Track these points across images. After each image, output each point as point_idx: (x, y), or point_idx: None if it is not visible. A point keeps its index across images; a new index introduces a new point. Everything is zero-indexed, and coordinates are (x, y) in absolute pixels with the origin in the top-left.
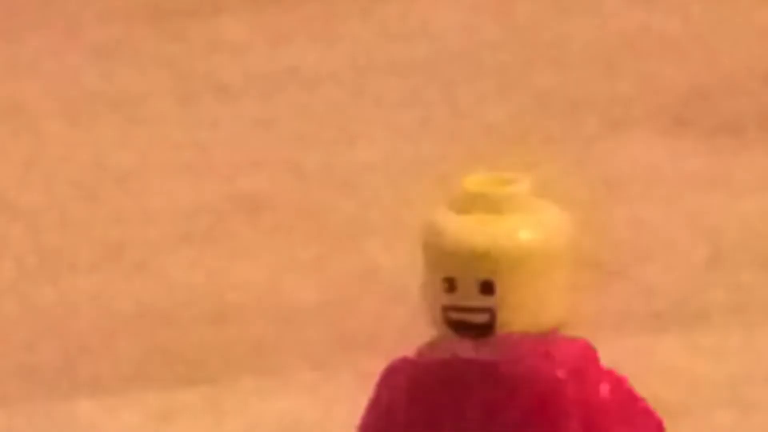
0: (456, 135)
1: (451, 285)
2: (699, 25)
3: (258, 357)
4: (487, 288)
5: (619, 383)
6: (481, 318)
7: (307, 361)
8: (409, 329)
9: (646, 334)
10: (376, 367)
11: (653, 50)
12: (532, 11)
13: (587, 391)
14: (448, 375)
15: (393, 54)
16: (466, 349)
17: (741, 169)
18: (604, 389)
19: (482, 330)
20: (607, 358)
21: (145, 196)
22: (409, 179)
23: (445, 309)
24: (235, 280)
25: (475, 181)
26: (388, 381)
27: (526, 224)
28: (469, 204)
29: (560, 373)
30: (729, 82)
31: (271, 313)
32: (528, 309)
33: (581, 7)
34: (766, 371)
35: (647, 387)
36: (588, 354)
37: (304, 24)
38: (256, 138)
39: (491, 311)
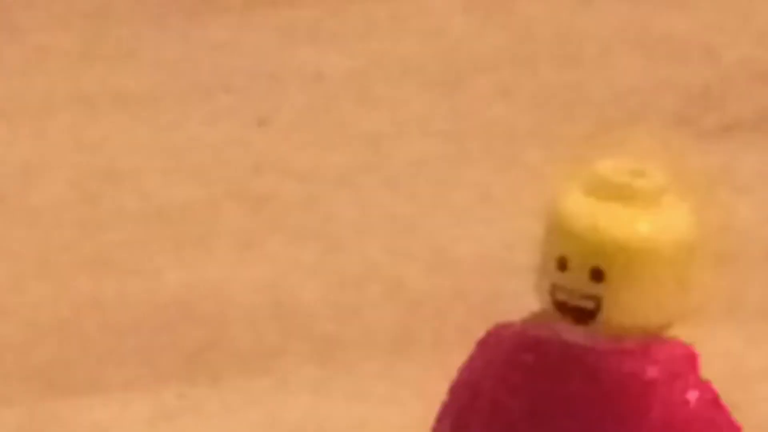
0: (457, 133)
1: (562, 264)
2: (701, 25)
3: (259, 355)
4: (597, 275)
5: (708, 392)
6: (586, 303)
7: (309, 359)
8: (409, 326)
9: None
10: (377, 366)
11: (654, 50)
12: (535, 15)
13: (675, 396)
14: (544, 354)
15: (392, 55)
16: (567, 331)
17: (738, 169)
18: (693, 396)
19: (586, 315)
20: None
21: (149, 195)
22: (408, 178)
23: (554, 287)
24: (238, 279)
25: (609, 167)
26: (485, 349)
27: (650, 219)
28: (598, 188)
29: (652, 372)
30: (729, 82)
31: (274, 312)
32: (636, 305)
33: (591, 7)
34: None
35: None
36: (687, 359)
37: (302, 26)
38: (257, 139)
39: (598, 299)
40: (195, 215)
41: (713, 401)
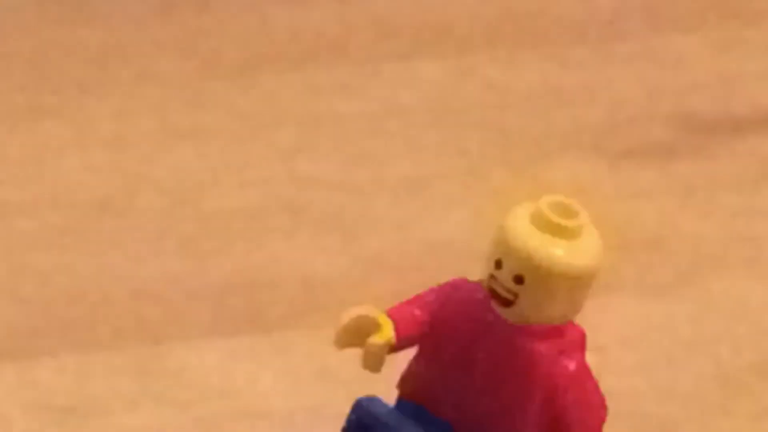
0: (441, 157)
1: (498, 264)
2: (606, 79)
3: (295, 316)
4: (518, 279)
5: (584, 366)
6: (507, 295)
7: (329, 320)
8: (405, 296)
9: None
10: None
11: (576, 98)
12: (492, 76)
13: (558, 365)
14: (477, 315)
15: (397, 103)
16: (491, 306)
17: (637, 184)
18: (572, 366)
19: (506, 302)
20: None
21: (218, 200)
22: (408, 191)
23: (491, 277)
24: (281, 261)
25: (549, 204)
26: (443, 292)
27: (566, 250)
28: (538, 220)
29: (540, 348)
30: (629, 121)
31: (305, 285)
32: (539, 307)
33: (524, 68)
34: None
35: None
36: (574, 340)
37: (328, 82)
38: (295, 159)
39: (515, 295)
40: (251, 216)
41: (586, 372)
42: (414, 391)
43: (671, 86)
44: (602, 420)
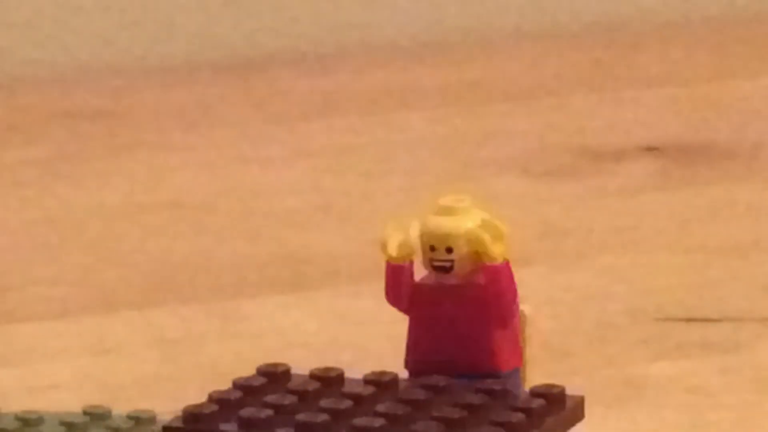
0: (415, 183)
1: (432, 248)
2: (530, 124)
3: (331, 277)
4: (449, 250)
5: (508, 274)
6: (446, 264)
7: (349, 283)
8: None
9: None
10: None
11: (514, 135)
12: (454, 135)
13: (491, 286)
14: (435, 290)
15: (393, 152)
16: (441, 278)
17: (557, 194)
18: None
19: (447, 269)
20: None
21: (270, 216)
22: (394, 196)
23: (431, 259)
24: (311, 241)
25: (445, 200)
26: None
27: (467, 222)
28: (441, 211)
29: (480, 281)
30: (551, 148)
31: (348, 257)
32: (466, 262)
33: (484, 119)
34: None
35: None
36: (499, 270)
37: (334, 136)
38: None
39: (451, 261)
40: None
41: (510, 276)
42: (416, 366)
43: (571, 128)
44: (513, 302)
